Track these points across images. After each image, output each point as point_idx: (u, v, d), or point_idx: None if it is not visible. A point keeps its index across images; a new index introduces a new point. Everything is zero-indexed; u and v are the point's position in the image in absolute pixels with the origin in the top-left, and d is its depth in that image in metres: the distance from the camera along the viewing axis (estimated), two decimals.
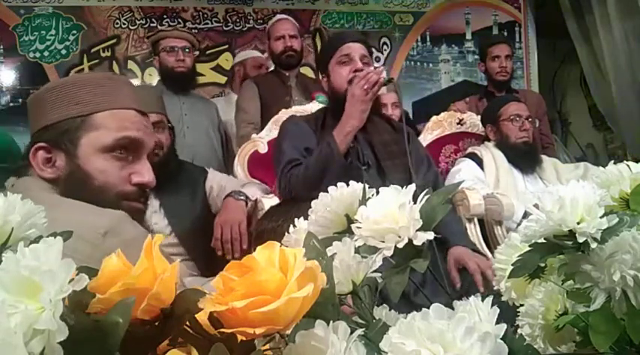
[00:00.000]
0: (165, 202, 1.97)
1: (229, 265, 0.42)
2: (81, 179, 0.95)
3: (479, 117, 2.77)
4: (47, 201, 0.85)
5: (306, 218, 0.56)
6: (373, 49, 4.09)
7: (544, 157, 2.60)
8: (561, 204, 0.44)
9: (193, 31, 3.49)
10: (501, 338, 0.38)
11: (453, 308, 0.41)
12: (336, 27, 4.29)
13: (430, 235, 0.47)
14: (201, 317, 0.43)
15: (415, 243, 0.47)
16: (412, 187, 0.50)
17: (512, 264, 0.49)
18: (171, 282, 0.43)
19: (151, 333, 0.42)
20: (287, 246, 0.43)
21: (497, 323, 0.40)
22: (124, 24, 3.97)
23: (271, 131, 2.35)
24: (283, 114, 2.37)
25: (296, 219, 0.58)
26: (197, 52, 2.85)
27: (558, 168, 2.55)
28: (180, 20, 4.03)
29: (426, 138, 2.64)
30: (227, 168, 2.56)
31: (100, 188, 0.95)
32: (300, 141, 1.89)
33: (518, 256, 0.48)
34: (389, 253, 0.47)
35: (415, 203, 0.49)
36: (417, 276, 1.27)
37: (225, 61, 4.03)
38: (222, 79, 4.01)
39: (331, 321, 0.40)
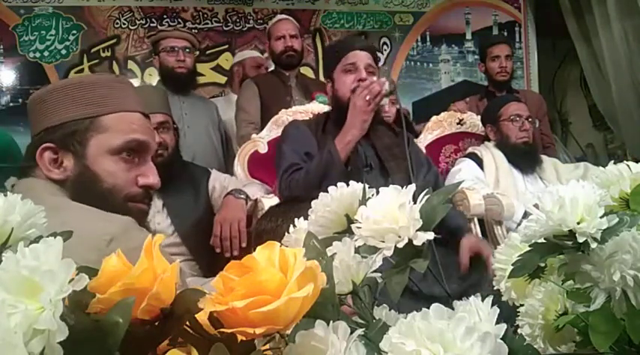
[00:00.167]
0: (169, 202, 1.98)
1: (229, 265, 0.42)
2: (90, 180, 0.95)
3: (479, 117, 2.77)
4: (53, 205, 0.86)
5: (306, 218, 0.56)
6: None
7: (544, 157, 2.60)
8: (561, 204, 0.44)
9: (193, 31, 3.49)
10: (501, 338, 0.38)
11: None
12: (336, 27, 4.29)
13: (430, 235, 0.47)
14: (201, 317, 0.43)
15: (415, 243, 0.47)
16: (412, 187, 0.50)
17: (512, 264, 0.49)
18: (172, 282, 0.43)
19: (151, 333, 0.42)
20: (287, 246, 0.43)
21: (497, 323, 0.40)
22: (124, 24, 3.97)
23: (271, 131, 2.35)
24: (283, 114, 2.37)
25: (296, 219, 0.58)
26: (197, 52, 2.85)
27: (558, 168, 2.55)
28: (180, 20, 4.03)
29: (426, 138, 2.64)
30: (227, 167, 2.56)
31: (108, 190, 0.96)
32: (301, 146, 1.92)
33: (518, 256, 0.48)
34: (389, 253, 0.47)
35: (415, 203, 0.49)
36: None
37: (225, 61, 4.03)
38: (222, 79, 4.00)
39: (331, 321, 0.40)
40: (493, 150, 2.53)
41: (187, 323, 0.43)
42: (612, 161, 0.54)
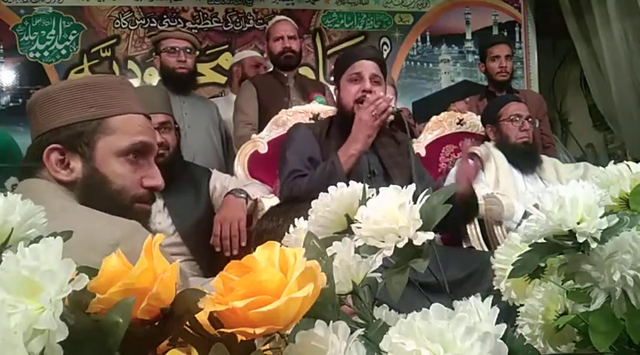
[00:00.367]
0: (170, 202, 1.98)
1: (229, 265, 0.42)
2: (99, 182, 0.96)
3: (479, 117, 2.76)
4: (59, 208, 0.85)
5: (306, 218, 0.56)
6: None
7: (544, 157, 2.60)
8: (561, 204, 0.44)
9: (193, 31, 3.48)
10: (501, 338, 0.38)
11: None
12: (336, 27, 4.30)
13: (430, 235, 0.47)
14: (201, 317, 0.43)
15: (415, 243, 0.47)
16: (412, 187, 0.50)
17: (512, 264, 0.49)
18: (172, 282, 0.43)
19: (151, 333, 0.42)
20: (287, 246, 0.43)
21: (497, 323, 0.40)
22: (124, 24, 3.98)
23: (271, 131, 2.36)
24: (283, 114, 2.38)
25: (296, 219, 0.58)
26: (197, 52, 2.86)
27: (558, 168, 2.55)
28: (180, 20, 4.03)
29: (426, 138, 2.64)
30: (228, 167, 2.57)
31: (117, 191, 0.97)
32: (304, 151, 1.94)
33: (518, 256, 0.48)
34: (389, 253, 0.47)
35: (415, 203, 0.49)
36: None
37: (225, 61, 4.03)
38: (222, 79, 4.01)
39: (331, 321, 0.40)
40: (493, 150, 2.53)
41: (187, 323, 0.43)
42: (612, 161, 0.54)
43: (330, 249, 0.48)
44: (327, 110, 2.38)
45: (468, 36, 4.53)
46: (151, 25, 3.99)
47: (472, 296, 0.43)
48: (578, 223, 0.44)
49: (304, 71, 3.84)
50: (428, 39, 4.46)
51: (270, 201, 1.99)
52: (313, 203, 0.55)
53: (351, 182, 0.55)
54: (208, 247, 1.93)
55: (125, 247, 0.80)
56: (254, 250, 0.43)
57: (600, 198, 0.45)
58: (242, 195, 1.99)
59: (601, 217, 0.44)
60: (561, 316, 0.47)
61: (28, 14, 3.83)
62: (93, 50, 3.92)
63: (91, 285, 0.41)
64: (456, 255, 1.75)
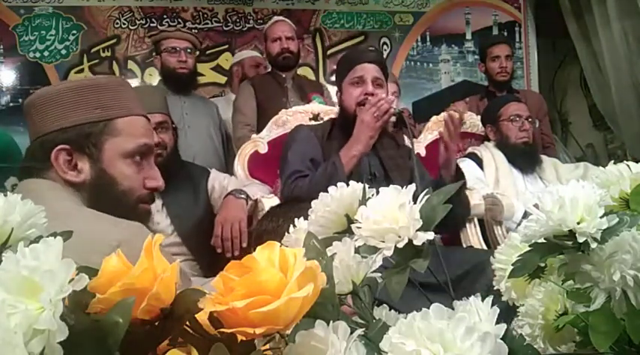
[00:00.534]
0: (168, 202, 1.98)
1: (229, 265, 0.42)
2: (107, 184, 0.96)
3: (479, 117, 2.77)
4: (61, 208, 0.85)
5: (306, 218, 0.56)
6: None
7: (544, 157, 2.60)
8: (561, 204, 0.44)
9: (193, 31, 3.48)
10: (501, 338, 0.38)
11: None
12: (336, 27, 4.29)
13: (430, 235, 0.47)
14: (201, 317, 0.43)
15: (415, 243, 0.47)
16: (412, 187, 0.50)
17: (512, 264, 0.49)
18: (172, 282, 0.43)
19: (151, 333, 0.42)
20: (287, 246, 0.43)
21: (497, 323, 0.40)
22: (124, 24, 3.97)
23: (271, 131, 2.36)
24: (283, 114, 2.38)
25: (296, 219, 0.58)
26: (197, 52, 2.86)
27: (558, 168, 2.55)
28: (180, 20, 4.03)
29: (426, 138, 2.64)
30: (228, 167, 2.56)
31: (123, 192, 0.98)
32: (306, 152, 1.95)
33: (518, 256, 0.48)
34: (389, 253, 0.47)
35: (415, 203, 0.49)
36: None
37: (225, 61, 4.03)
38: (222, 79, 4.01)
39: (331, 321, 0.40)
40: (493, 150, 2.53)
41: (187, 323, 0.43)
42: (612, 161, 0.54)
43: (330, 249, 0.48)
44: (326, 110, 2.39)
45: (468, 36, 4.53)
46: (151, 25, 3.99)
47: (470, 294, 0.43)
48: (578, 223, 0.44)
49: (304, 71, 3.84)
50: (428, 39, 4.46)
51: (270, 201, 1.99)
52: (313, 203, 0.55)
53: (352, 182, 0.55)
54: (208, 247, 1.93)
55: (128, 248, 0.80)
56: (254, 250, 0.43)
57: (600, 198, 0.45)
58: (242, 196, 1.99)
59: (601, 217, 0.44)
60: (561, 316, 0.47)
61: (28, 14, 3.83)
62: (93, 50, 3.92)
63: (91, 285, 0.41)
64: (452, 254, 1.76)
